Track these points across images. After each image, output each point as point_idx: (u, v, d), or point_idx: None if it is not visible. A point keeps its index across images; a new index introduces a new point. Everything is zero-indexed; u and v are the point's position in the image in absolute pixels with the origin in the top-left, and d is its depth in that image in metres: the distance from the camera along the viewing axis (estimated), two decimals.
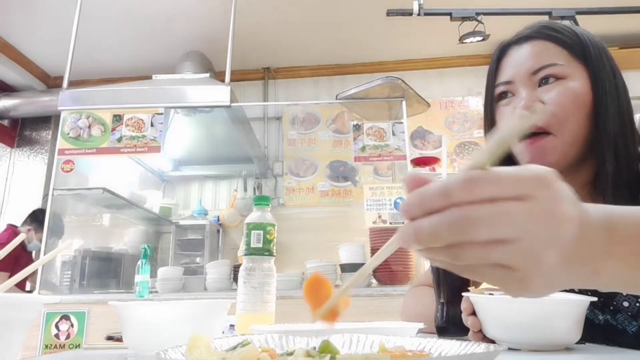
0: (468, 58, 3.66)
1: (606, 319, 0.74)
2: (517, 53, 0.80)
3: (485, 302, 0.61)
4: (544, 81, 0.76)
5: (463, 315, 0.65)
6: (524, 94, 0.77)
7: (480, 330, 0.62)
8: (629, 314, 0.72)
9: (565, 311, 0.58)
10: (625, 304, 0.72)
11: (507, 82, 0.80)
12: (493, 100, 0.84)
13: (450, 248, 0.31)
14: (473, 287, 0.69)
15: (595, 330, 0.74)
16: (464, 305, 0.64)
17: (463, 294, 0.65)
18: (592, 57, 0.76)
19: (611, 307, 0.74)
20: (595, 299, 0.61)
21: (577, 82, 0.75)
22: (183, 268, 2.60)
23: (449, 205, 0.30)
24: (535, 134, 0.75)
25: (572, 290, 0.76)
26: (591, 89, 0.75)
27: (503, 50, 0.84)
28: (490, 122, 0.85)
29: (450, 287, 0.72)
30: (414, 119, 2.97)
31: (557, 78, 0.75)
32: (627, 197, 0.70)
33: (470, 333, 0.63)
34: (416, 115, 2.87)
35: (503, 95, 0.82)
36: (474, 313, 0.63)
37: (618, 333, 0.73)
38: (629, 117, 0.75)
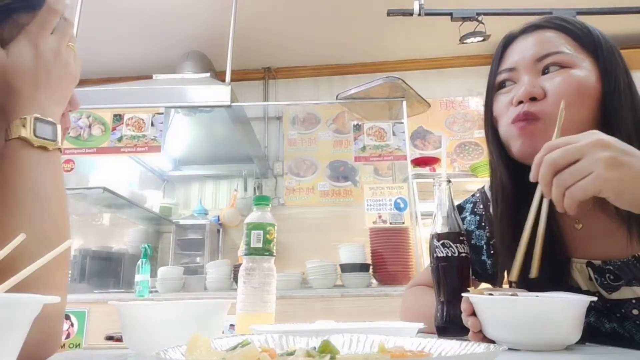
0: (469, 58, 3.65)
1: (613, 327, 0.73)
2: (524, 41, 0.77)
3: (485, 303, 0.61)
4: (548, 70, 0.73)
5: (463, 316, 0.65)
6: (525, 80, 0.73)
7: (480, 331, 0.62)
8: (638, 322, 0.71)
9: (565, 311, 0.58)
10: (635, 311, 0.70)
11: (510, 69, 0.77)
12: (493, 89, 0.80)
13: (558, 180, 0.55)
14: (473, 287, 0.69)
15: (601, 338, 0.73)
16: (463, 306, 0.64)
17: (462, 294, 0.65)
18: (603, 52, 0.73)
19: (618, 315, 0.72)
20: (594, 298, 0.61)
21: (583, 72, 0.71)
22: (183, 268, 2.60)
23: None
24: (528, 119, 0.72)
25: (576, 291, 0.76)
26: (600, 82, 0.71)
27: (509, 39, 0.81)
28: (490, 111, 0.81)
29: (450, 287, 0.72)
30: (414, 119, 2.97)
31: (563, 66, 0.72)
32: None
33: (470, 333, 0.63)
34: (416, 115, 2.87)
35: (503, 84, 0.78)
36: (473, 314, 0.63)
37: (625, 341, 0.72)
38: None
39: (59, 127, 0.57)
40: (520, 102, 0.73)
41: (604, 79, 0.71)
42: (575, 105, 0.69)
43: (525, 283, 0.71)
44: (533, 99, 0.72)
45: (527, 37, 0.77)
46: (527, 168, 0.77)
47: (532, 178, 0.59)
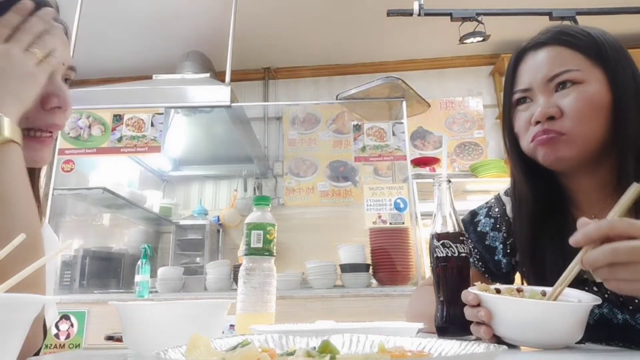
0: (468, 58, 3.66)
1: (625, 319, 0.75)
2: (533, 60, 0.82)
3: (493, 300, 0.61)
4: (561, 86, 0.77)
5: (467, 309, 0.64)
6: (541, 101, 0.78)
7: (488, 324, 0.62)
8: None
9: (567, 315, 0.59)
10: None
11: (525, 90, 0.82)
12: (511, 105, 0.86)
13: (609, 268, 0.54)
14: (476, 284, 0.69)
15: (614, 329, 0.75)
16: (470, 297, 0.64)
17: (469, 288, 0.65)
18: (609, 59, 0.77)
19: (630, 307, 0.74)
20: (599, 301, 0.61)
21: (593, 86, 0.76)
22: (183, 268, 2.60)
23: (604, 239, 0.54)
24: (549, 135, 0.77)
25: (585, 288, 0.77)
26: (609, 91, 0.76)
27: (519, 56, 0.86)
28: (508, 126, 0.87)
29: (450, 286, 0.72)
30: (414, 119, 2.97)
31: (574, 83, 0.76)
32: None
33: (482, 328, 0.62)
34: (416, 115, 2.87)
35: (521, 100, 0.84)
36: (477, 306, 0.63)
37: (637, 333, 0.73)
38: None
39: (6, 120, 0.59)
40: (538, 122, 0.78)
41: (612, 86, 0.76)
42: (590, 120, 0.75)
43: (542, 278, 0.77)
44: (550, 118, 0.77)
45: (535, 54, 0.82)
46: (545, 178, 0.84)
47: (574, 243, 0.57)
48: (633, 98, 0.75)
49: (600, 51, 0.77)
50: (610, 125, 0.76)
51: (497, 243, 0.93)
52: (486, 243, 0.94)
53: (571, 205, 0.85)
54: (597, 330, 0.75)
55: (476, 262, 0.94)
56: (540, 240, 0.82)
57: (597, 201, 0.81)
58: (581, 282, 0.78)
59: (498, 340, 0.62)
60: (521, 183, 0.87)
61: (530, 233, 0.83)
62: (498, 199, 0.98)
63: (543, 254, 0.82)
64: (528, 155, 0.83)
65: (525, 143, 0.82)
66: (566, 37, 0.80)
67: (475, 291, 0.63)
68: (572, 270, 0.60)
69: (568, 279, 0.61)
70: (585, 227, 0.56)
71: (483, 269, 0.94)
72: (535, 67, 0.81)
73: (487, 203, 1.01)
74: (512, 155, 0.89)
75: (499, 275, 0.93)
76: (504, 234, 0.93)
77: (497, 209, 0.96)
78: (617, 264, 0.53)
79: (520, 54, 0.86)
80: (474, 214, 0.99)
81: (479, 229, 0.96)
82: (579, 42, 0.79)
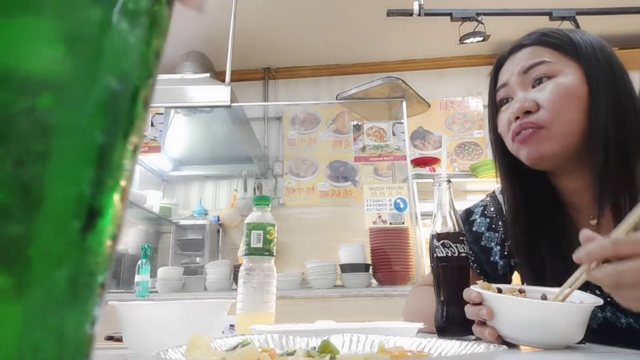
0: (468, 58, 3.66)
1: (629, 322, 0.74)
2: (511, 60, 0.84)
3: (496, 298, 0.61)
4: (538, 82, 0.78)
5: (468, 307, 0.64)
6: (520, 96, 0.80)
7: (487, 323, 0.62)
8: None
9: (570, 313, 0.59)
10: None
11: (504, 85, 0.84)
12: (494, 108, 0.87)
13: (616, 287, 0.53)
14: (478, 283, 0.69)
15: (617, 333, 0.74)
16: (473, 295, 0.63)
17: (471, 286, 0.65)
18: (583, 53, 0.78)
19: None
20: (601, 302, 0.61)
21: (568, 77, 0.77)
22: (183, 268, 2.61)
23: (607, 257, 0.53)
24: (529, 128, 0.77)
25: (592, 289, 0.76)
26: (586, 82, 0.76)
27: (500, 61, 0.87)
28: (493, 128, 0.87)
29: (450, 287, 0.72)
30: (414, 119, 2.97)
31: (549, 77, 0.78)
32: (612, 194, 0.73)
33: (486, 330, 0.62)
34: (416, 115, 2.87)
35: (504, 101, 0.84)
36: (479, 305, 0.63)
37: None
38: (631, 112, 0.75)
39: None
40: (517, 118, 0.79)
41: (587, 77, 0.76)
42: (567, 110, 0.75)
43: (541, 280, 0.77)
44: (528, 112, 0.78)
45: (514, 56, 0.85)
46: (536, 181, 0.84)
47: (577, 260, 0.55)
48: (607, 90, 0.75)
49: (575, 46, 0.79)
50: (588, 117, 0.76)
51: (492, 244, 0.92)
52: (482, 244, 0.92)
53: (567, 205, 0.85)
54: (601, 334, 0.74)
55: (471, 263, 0.91)
56: (537, 242, 0.82)
57: (592, 202, 0.80)
58: (584, 284, 0.77)
59: (500, 340, 0.62)
60: (508, 189, 0.88)
61: (527, 236, 0.83)
62: (493, 197, 0.97)
63: (542, 257, 0.81)
64: (515, 157, 0.83)
65: (509, 143, 0.82)
66: (543, 37, 0.82)
67: (478, 289, 0.63)
68: (577, 278, 0.60)
69: (575, 286, 0.61)
70: (589, 245, 0.54)
71: (478, 271, 0.92)
72: (512, 65, 0.83)
73: (482, 201, 0.99)
74: (497, 161, 0.89)
75: (494, 277, 0.91)
76: (502, 235, 0.91)
77: (492, 208, 0.95)
78: (622, 284, 0.52)
79: (501, 59, 0.87)
80: (469, 212, 0.98)
81: (474, 228, 0.94)
82: (554, 40, 0.80)
